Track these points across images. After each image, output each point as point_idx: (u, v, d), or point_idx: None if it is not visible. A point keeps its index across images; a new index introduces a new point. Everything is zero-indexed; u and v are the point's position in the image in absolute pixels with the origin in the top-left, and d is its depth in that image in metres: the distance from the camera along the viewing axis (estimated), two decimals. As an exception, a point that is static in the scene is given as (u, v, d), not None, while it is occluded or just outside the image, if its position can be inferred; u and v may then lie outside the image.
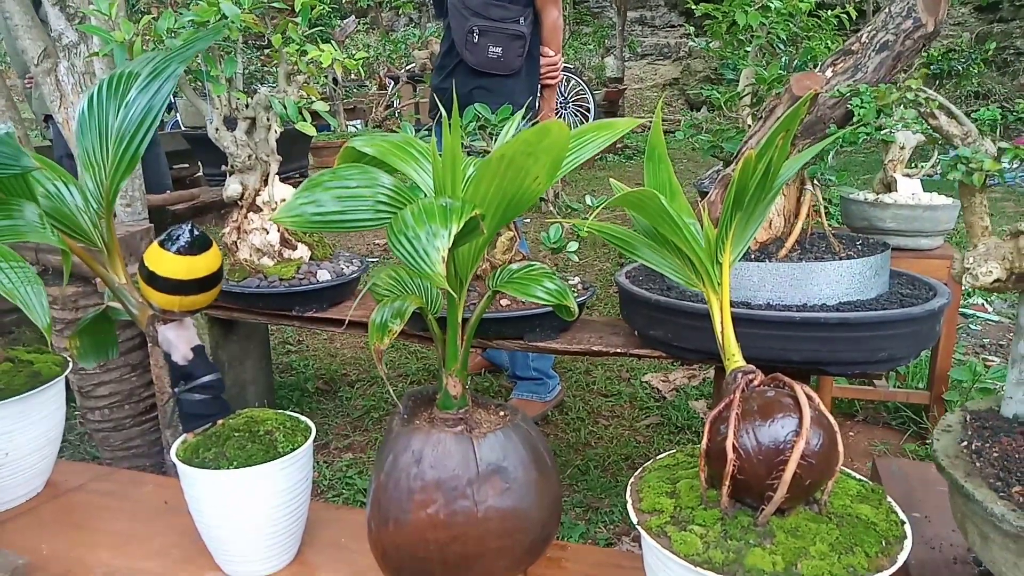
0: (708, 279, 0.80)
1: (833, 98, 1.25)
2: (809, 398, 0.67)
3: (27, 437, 1.07)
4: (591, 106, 7.26)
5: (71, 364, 1.15)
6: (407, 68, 4.29)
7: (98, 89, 0.98)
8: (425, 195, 0.73)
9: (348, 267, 1.73)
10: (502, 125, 1.57)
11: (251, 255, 1.68)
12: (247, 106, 1.73)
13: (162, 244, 0.86)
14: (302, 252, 1.71)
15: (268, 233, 1.68)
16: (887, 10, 1.27)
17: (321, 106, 1.80)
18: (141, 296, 0.93)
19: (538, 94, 2.47)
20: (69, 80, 2.02)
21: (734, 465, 0.66)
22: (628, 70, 12.27)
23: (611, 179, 1.02)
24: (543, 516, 0.80)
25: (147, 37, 1.50)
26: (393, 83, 4.46)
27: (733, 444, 0.66)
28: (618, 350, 1.44)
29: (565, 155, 0.65)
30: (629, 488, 0.76)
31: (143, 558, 0.98)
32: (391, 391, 0.82)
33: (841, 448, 0.68)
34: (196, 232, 0.87)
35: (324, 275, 1.66)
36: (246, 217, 1.70)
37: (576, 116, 7.18)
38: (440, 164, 0.72)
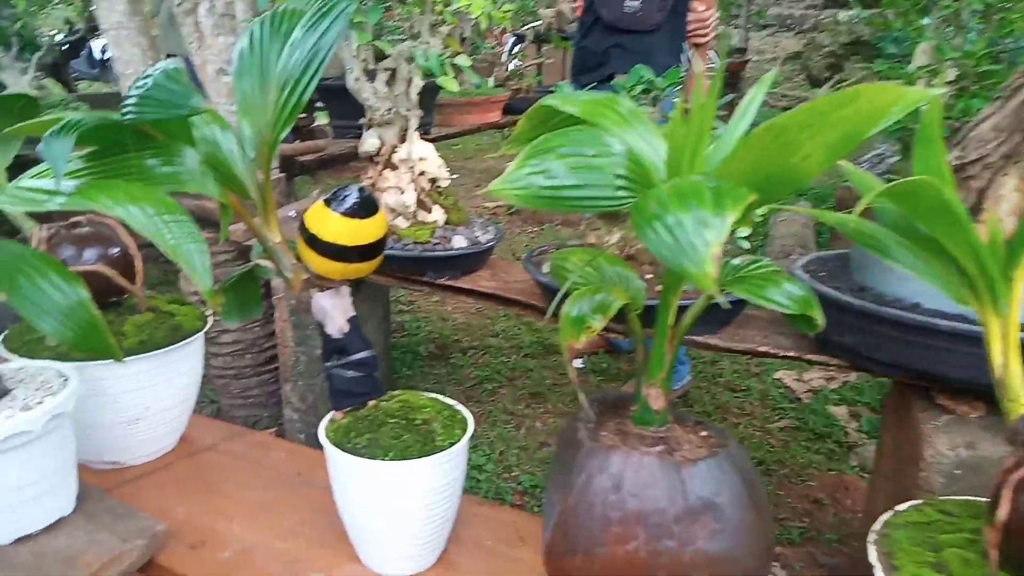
0: (990, 296, 0.64)
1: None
2: None
3: (167, 391, 1.02)
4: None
5: (211, 318, 1.09)
6: (532, 26, 4.13)
7: (259, 26, 0.88)
8: (658, 170, 0.59)
9: (484, 234, 1.62)
10: (667, 90, 1.41)
11: (385, 215, 1.59)
12: (388, 57, 1.63)
13: (327, 204, 0.77)
14: (437, 216, 1.61)
15: (403, 193, 1.59)
16: None
17: (463, 60, 1.69)
18: (297, 258, 0.84)
19: (685, 55, 2.24)
20: (208, 21, 1.98)
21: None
22: (748, 41, 11.63)
23: (842, 163, 0.84)
24: (755, 565, 0.66)
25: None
26: (516, 42, 4.31)
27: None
28: (788, 353, 1.27)
29: (868, 131, 0.49)
30: (873, 548, 0.61)
31: (277, 536, 0.91)
32: (582, 398, 0.70)
33: None
34: (364, 193, 0.77)
35: (460, 241, 1.56)
36: (381, 174, 1.61)
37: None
38: (680, 132, 0.58)
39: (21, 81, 2.00)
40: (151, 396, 0.99)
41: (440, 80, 1.60)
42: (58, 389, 0.84)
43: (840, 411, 2.19)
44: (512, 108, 3.42)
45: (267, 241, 0.85)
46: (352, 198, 0.76)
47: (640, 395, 0.70)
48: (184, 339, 1.01)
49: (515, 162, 0.50)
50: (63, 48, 3.21)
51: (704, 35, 2.23)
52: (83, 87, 6.78)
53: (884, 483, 1.33)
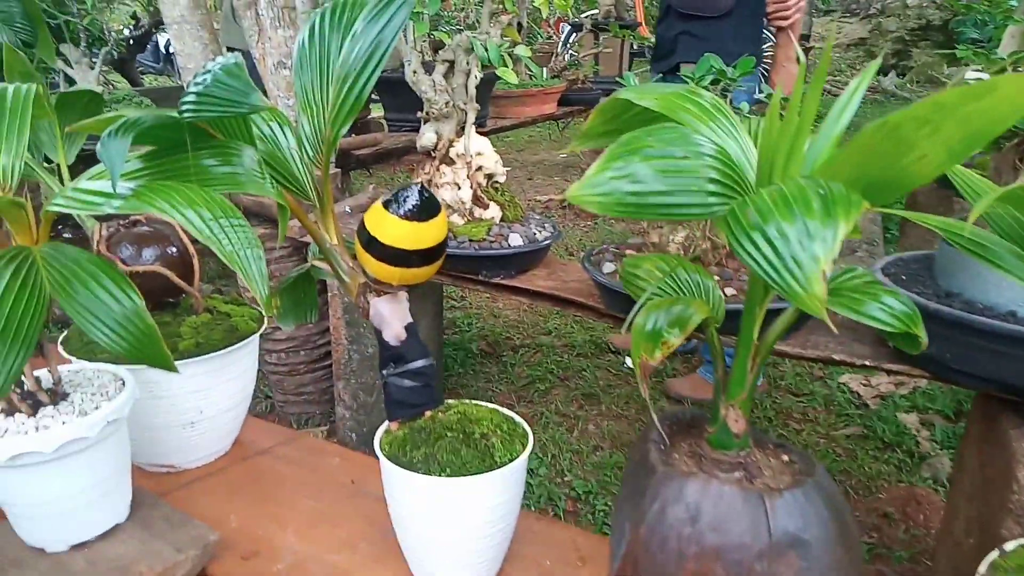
0: None
1: None
2: None
3: (222, 394, 1.00)
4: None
5: (267, 320, 1.07)
6: (590, 14, 4.05)
7: (320, 18, 0.85)
8: (748, 173, 0.54)
9: (540, 232, 1.58)
10: (738, 80, 1.34)
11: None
12: (446, 48, 1.59)
13: (386, 206, 0.73)
14: (494, 212, 1.57)
15: (460, 189, 1.55)
16: None
17: (523, 51, 1.64)
18: (354, 261, 0.81)
19: (764, 41, 2.08)
20: (268, 14, 1.98)
21: None
22: (811, 27, 11.23)
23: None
24: (847, 608, 0.60)
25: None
26: (572, 31, 4.23)
27: None
28: (865, 362, 1.19)
29: (1000, 128, 0.43)
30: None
31: (331, 548, 0.88)
32: (652, 413, 0.65)
33: None
34: (425, 195, 0.73)
35: (516, 239, 1.51)
36: (438, 170, 1.58)
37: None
38: (775, 128, 0.52)
39: (89, 76, 2.03)
40: (206, 399, 0.98)
41: (499, 71, 1.55)
42: (114, 393, 0.82)
43: (911, 419, 2.08)
44: (568, 99, 3.35)
45: (324, 242, 0.82)
46: (412, 199, 0.72)
47: (718, 415, 0.65)
48: (240, 341, 0.99)
49: (596, 165, 0.45)
50: (129, 43, 3.27)
51: (786, 17, 1.99)
52: (148, 81, 6.97)
53: (965, 503, 1.24)
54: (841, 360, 1.22)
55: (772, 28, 2.00)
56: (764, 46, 2.05)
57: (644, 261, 0.70)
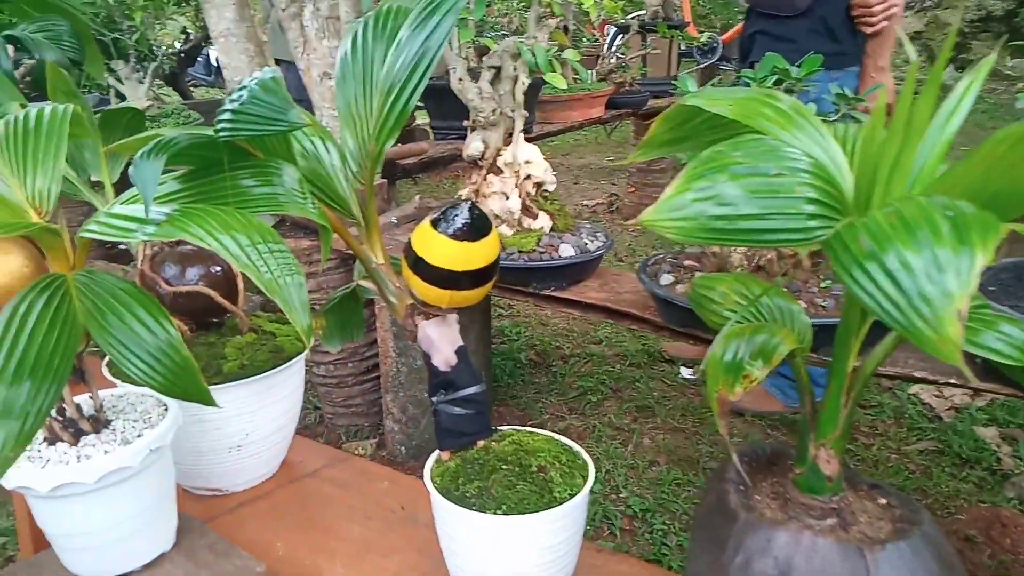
0: None
1: None
2: None
3: (268, 416, 0.97)
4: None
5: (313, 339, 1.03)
6: (637, 15, 3.96)
7: (362, 28, 0.81)
8: (844, 187, 0.47)
9: (592, 242, 1.52)
10: (804, 81, 1.26)
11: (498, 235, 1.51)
12: (492, 53, 1.55)
13: (434, 224, 0.68)
14: (543, 222, 1.51)
15: (508, 199, 1.50)
16: None
17: (572, 54, 1.58)
18: (401, 281, 0.77)
19: (854, 42, 1.89)
20: (313, 25, 1.97)
21: None
22: (865, 21, 10.88)
23: None
24: None
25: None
26: (618, 33, 4.15)
27: None
28: (951, 380, 1.10)
29: None
30: None
31: (381, 580, 0.84)
32: (734, 458, 0.58)
33: None
34: (476, 212, 0.68)
35: (567, 250, 1.46)
36: (485, 179, 1.53)
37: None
38: (876, 139, 0.45)
39: (139, 92, 2.05)
40: (252, 422, 0.95)
41: (548, 76, 1.50)
42: (158, 419, 0.80)
43: (990, 433, 1.95)
44: (616, 103, 3.28)
45: (370, 262, 0.78)
46: (462, 218, 0.67)
47: (806, 455, 0.58)
48: (286, 362, 0.96)
49: (674, 185, 0.39)
50: (179, 56, 3.32)
51: (871, 23, 1.84)
52: (199, 94, 7.13)
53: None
54: (923, 378, 1.13)
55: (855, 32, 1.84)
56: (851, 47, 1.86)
57: (718, 282, 0.63)
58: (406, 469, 1.88)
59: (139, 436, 0.76)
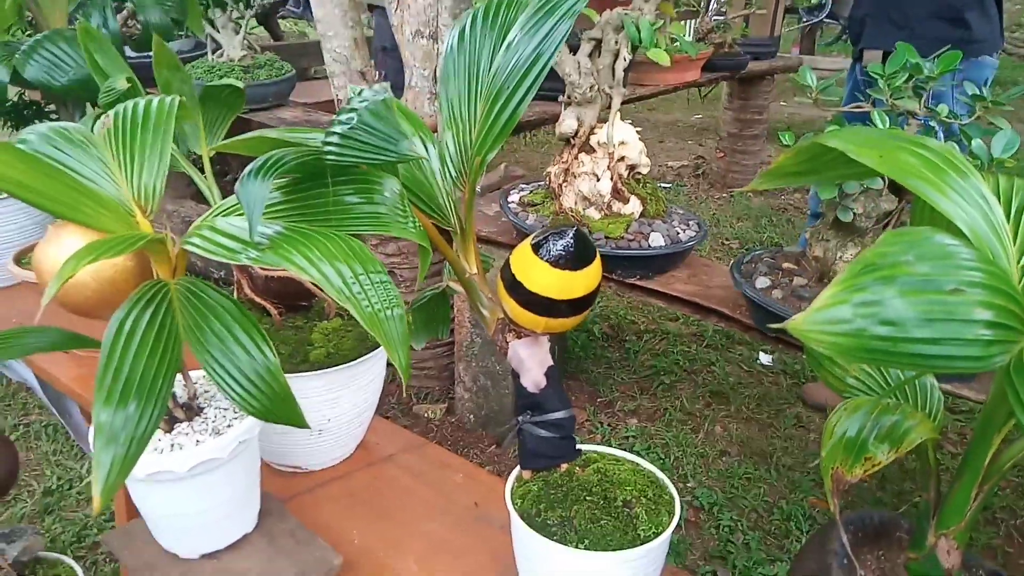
0: None
1: None
2: None
3: (351, 401, 0.98)
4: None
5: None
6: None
7: (471, 21, 0.77)
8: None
9: (684, 231, 1.46)
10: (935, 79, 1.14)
11: (577, 203, 1.47)
12: (594, 25, 1.47)
13: (536, 249, 0.65)
14: (634, 207, 1.46)
15: (599, 180, 1.45)
16: None
17: (678, 29, 1.49)
18: (493, 295, 0.75)
19: (985, 28, 1.70)
20: (409, -19, 1.91)
21: None
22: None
23: None
24: None
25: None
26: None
27: None
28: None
29: None
30: None
31: (452, 582, 0.85)
32: (839, 525, 0.54)
33: None
34: (580, 239, 0.65)
35: (657, 239, 1.40)
36: (576, 158, 1.48)
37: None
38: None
39: (234, 41, 2.06)
40: (334, 408, 0.96)
41: (651, 53, 1.42)
42: (245, 408, 0.81)
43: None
44: (714, 65, 3.12)
45: (464, 272, 0.76)
46: (565, 244, 0.64)
47: (924, 541, 0.54)
48: (370, 351, 0.96)
49: (831, 291, 0.35)
50: (272, -3, 3.33)
51: None
52: (288, 26, 7.19)
53: None
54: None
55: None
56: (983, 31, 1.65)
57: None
58: (474, 437, 1.90)
59: (229, 426, 0.78)
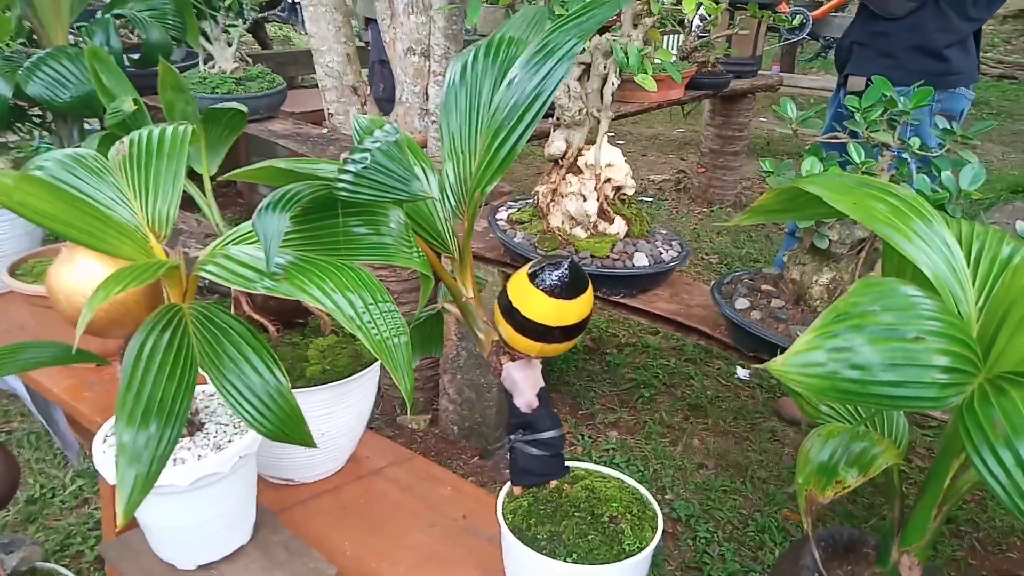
0: None
1: None
2: None
3: (343, 419, 1.01)
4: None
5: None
6: (725, -8, 3.81)
7: (472, 57, 0.81)
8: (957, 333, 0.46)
9: (667, 251, 1.51)
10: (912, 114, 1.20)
11: (563, 223, 1.51)
12: (583, 50, 1.52)
13: (532, 278, 0.69)
14: (619, 227, 1.51)
15: (585, 201, 1.49)
16: None
17: (665, 55, 1.55)
18: (489, 318, 0.78)
19: (963, 62, 1.75)
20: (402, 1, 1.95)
21: None
22: None
23: None
24: None
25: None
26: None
27: None
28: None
29: None
30: None
31: (442, 592, 0.88)
32: (812, 543, 0.59)
33: None
34: (575, 268, 0.69)
35: (641, 259, 1.45)
36: (564, 179, 1.52)
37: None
38: (1015, 287, 0.44)
39: (227, 53, 2.08)
40: (328, 422, 0.98)
41: (639, 79, 1.47)
42: (246, 425, 0.84)
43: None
44: (698, 83, 3.19)
45: (460, 296, 0.79)
46: (560, 274, 0.68)
47: (888, 558, 0.58)
48: (364, 368, 0.99)
49: (807, 336, 0.39)
50: (262, 5, 3.34)
51: None
52: (274, 31, 7.18)
53: None
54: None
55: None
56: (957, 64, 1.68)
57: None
58: (458, 448, 1.93)
59: (230, 442, 0.80)
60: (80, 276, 0.64)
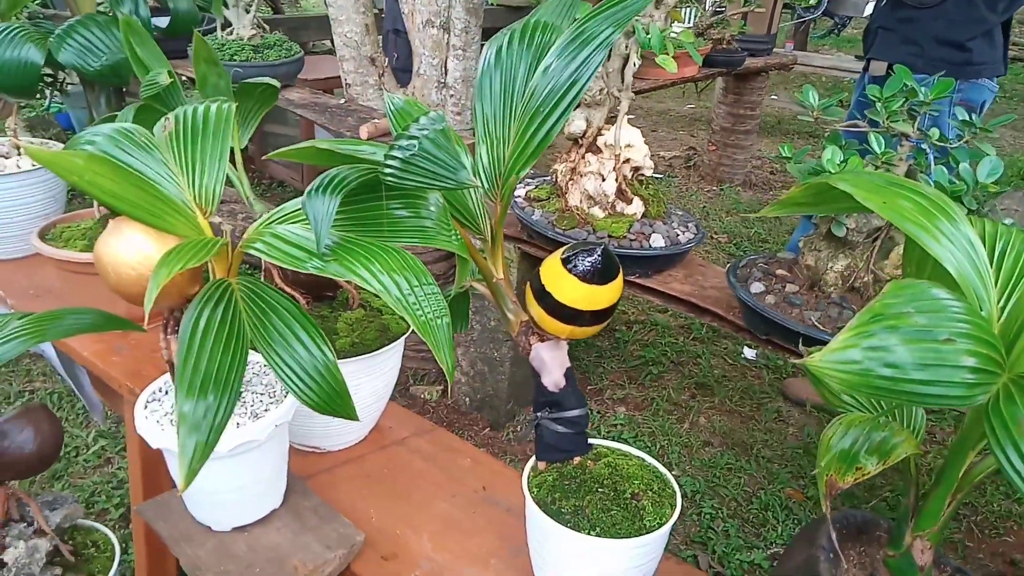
0: None
1: None
2: None
3: (368, 391, 1.04)
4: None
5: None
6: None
7: (507, 40, 0.82)
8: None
9: (683, 232, 1.53)
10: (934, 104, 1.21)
11: (582, 202, 1.52)
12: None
13: (565, 263, 0.71)
14: (636, 207, 1.52)
15: (604, 180, 1.51)
16: None
17: (688, 36, 1.55)
18: (517, 300, 0.81)
19: (987, 53, 1.75)
20: (422, -30, 1.94)
21: None
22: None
23: None
24: None
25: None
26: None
27: None
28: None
29: None
30: None
31: (464, 560, 0.92)
32: (829, 522, 0.62)
33: None
34: (607, 255, 0.71)
35: (658, 240, 1.47)
36: (583, 158, 1.54)
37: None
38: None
39: (244, 19, 2.08)
40: (355, 393, 0.99)
41: (660, 60, 1.48)
42: (281, 393, 0.87)
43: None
44: (713, 61, 3.17)
45: (491, 277, 0.81)
46: (593, 260, 0.70)
47: (901, 541, 0.61)
48: (391, 342, 1.01)
49: (844, 335, 0.41)
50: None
51: None
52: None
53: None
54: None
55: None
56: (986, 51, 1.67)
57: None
58: (469, 419, 1.97)
59: (266, 411, 0.84)
60: (128, 248, 0.66)
